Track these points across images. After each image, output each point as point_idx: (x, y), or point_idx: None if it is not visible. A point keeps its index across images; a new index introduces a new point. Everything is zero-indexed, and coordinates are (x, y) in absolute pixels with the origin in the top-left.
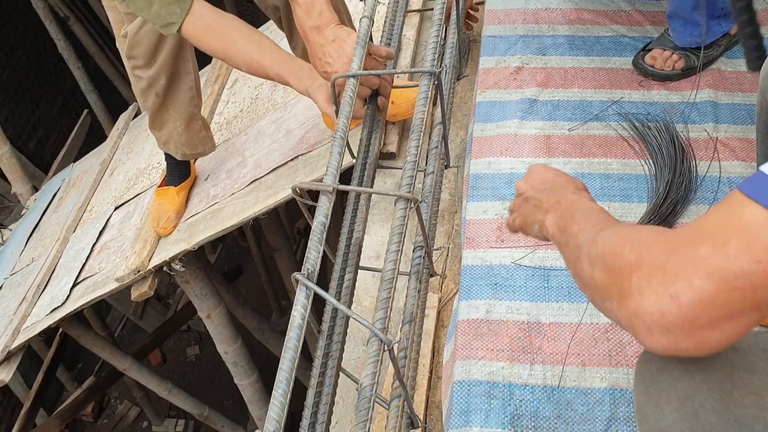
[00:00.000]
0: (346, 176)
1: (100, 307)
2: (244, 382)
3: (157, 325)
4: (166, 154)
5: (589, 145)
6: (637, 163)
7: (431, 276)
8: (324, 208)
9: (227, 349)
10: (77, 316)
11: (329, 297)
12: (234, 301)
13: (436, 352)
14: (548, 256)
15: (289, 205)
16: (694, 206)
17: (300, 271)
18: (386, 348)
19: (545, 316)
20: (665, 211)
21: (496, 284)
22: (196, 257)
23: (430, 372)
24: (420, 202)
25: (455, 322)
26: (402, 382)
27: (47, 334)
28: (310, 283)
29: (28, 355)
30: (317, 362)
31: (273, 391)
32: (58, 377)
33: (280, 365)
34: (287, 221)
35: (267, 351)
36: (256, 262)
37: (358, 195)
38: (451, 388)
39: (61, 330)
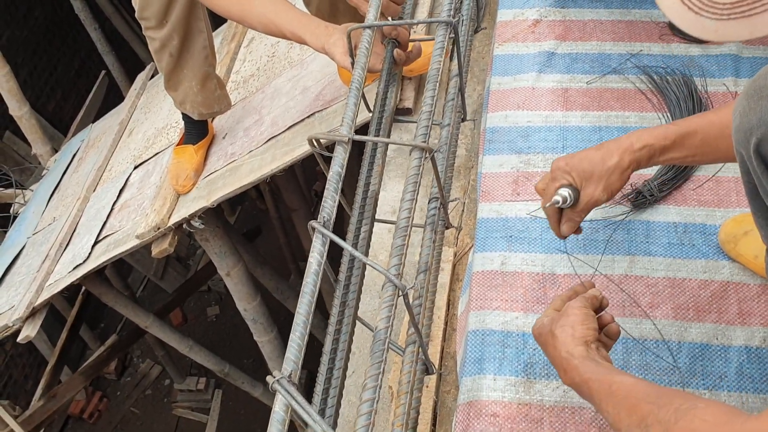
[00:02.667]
0: (362, 131)
1: (122, 267)
2: (264, 339)
3: (177, 286)
4: (183, 113)
5: (607, 98)
6: (654, 116)
7: (446, 228)
8: (340, 158)
9: (246, 306)
10: (99, 275)
11: (344, 243)
12: (253, 261)
13: (450, 304)
14: None
15: (306, 167)
16: None
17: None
18: (401, 293)
19: (560, 268)
20: (683, 166)
21: (511, 236)
22: (215, 215)
23: (445, 324)
24: (435, 152)
25: (470, 275)
26: (416, 327)
27: (70, 291)
28: (325, 231)
29: (52, 315)
30: (334, 311)
31: (291, 334)
32: (82, 336)
33: (297, 309)
34: (305, 183)
35: (286, 311)
36: (275, 224)
37: (374, 147)
38: (466, 337)
39: (83, 289)
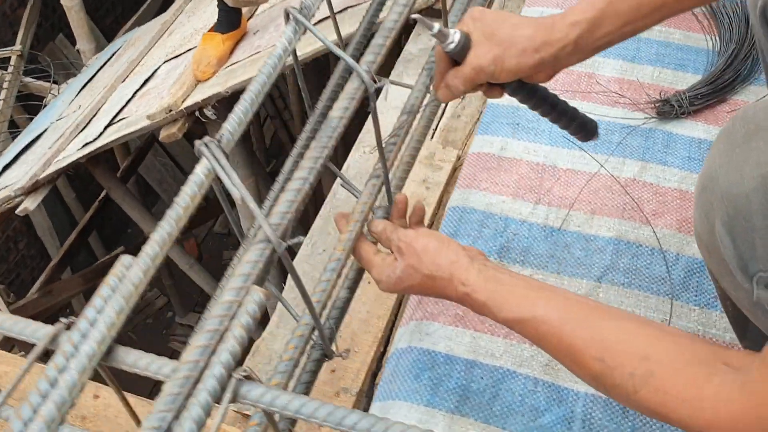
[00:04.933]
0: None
1: (148, 198)
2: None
3: (199, 222)
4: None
5: None
6: (701, 37)
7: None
8: None
9: (251, 225)
10: (123, 183)
11: (324, 40)
12: (265, 187)
13: (441, 204)
14: (581, 107)
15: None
16: (754, 86)
17: None
18: (369, 91)
19: (563, 162)
20: (721, 84)
21: (517, 124)
22: None
23: (431, 222)
24: None
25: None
26: (382, 153)
27: (75, 171)
28: (301, 18)
29: (69, 224)
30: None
31: (234, 108)
32: (95, 252)
33: (248, 87)
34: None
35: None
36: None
37: None
38: (446, 212)
39: (102, 196)
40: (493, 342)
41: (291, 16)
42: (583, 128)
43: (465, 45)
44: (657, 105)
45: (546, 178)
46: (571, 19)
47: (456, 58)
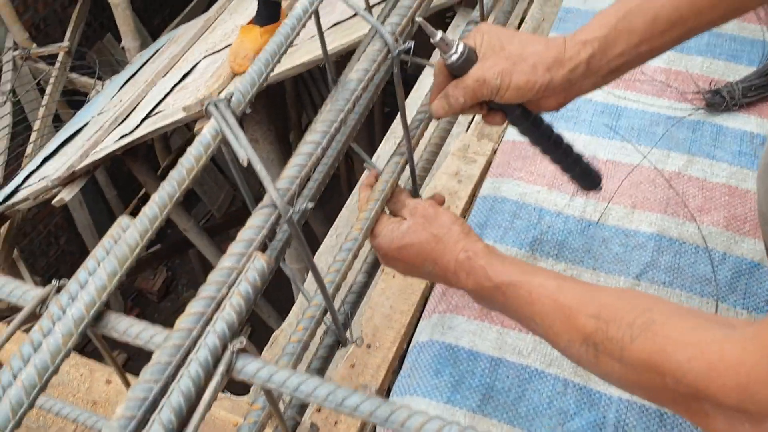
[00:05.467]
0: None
1: (190, 200)
2: (295, 267)
3: (237, 223)
4: None
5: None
6: (757, 28)
7: None
8: None
9: None
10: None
11: None
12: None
13: (473, 198)
14: (626, 97)
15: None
16: None
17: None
18: (391, 54)
19: (604, 152)
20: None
21: (559, 114)
22: (270, 117)
23: (463, 215)
24: None
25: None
26: (406, 130)
27: (116, 167)
28: None
29: (109, 220)
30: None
31: (252, 68)
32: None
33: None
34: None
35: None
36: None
37: None
38: (476, 202)
39: (141, 194)
40: (520, 339)
41: None
42: (586, 175)
43: (468, 58)
44: (706, 96)
45: None
46: (582, 38)
47: (457, 72)
